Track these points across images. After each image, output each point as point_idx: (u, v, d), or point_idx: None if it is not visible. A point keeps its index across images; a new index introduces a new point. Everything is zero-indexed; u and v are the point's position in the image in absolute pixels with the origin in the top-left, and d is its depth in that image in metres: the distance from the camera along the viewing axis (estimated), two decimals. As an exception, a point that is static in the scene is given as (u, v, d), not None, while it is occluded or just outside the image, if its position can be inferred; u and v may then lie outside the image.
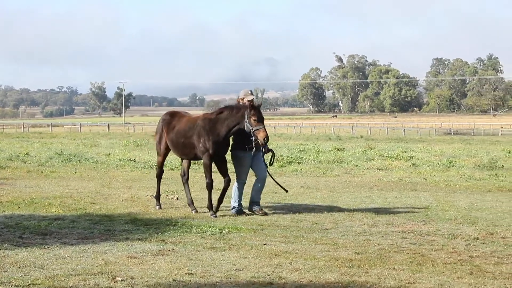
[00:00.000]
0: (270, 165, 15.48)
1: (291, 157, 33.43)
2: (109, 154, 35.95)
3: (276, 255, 10.56)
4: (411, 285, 8.85)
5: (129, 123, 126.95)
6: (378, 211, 15.67)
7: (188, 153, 15.34)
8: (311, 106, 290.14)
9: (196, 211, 15.22)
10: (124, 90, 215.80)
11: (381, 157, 34.88)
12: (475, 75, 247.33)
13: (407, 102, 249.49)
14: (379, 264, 10.02)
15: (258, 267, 9.75)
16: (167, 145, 15.81)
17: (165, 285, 8.68)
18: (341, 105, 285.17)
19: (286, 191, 16.75)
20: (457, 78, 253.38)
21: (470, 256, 10.69)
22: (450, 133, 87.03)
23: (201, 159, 15.18)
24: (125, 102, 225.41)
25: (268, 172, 15.50)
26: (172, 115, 16.04)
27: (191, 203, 15.53)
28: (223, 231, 12.56)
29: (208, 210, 14.98)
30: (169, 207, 16.01)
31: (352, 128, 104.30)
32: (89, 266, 9.62)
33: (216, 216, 14.65)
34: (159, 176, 16.37)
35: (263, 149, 15.20)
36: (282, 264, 9.92)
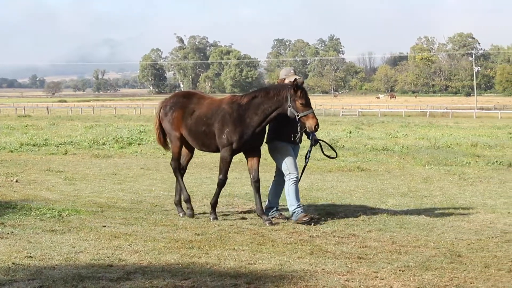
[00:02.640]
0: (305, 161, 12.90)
1: (131, 139, 33.19)
2: None
3: (115, 237, 10.43)
4: (251, 265, 8.92)
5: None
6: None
7: (209, 144, 12.57)
8: (151, 87, 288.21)
9: (185, 214, 12.74)
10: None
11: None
12: (316, 56, 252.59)
13: (248, 83, 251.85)
14: (219, 245, 10.06)
15: (98, 249, 9.61)
16: (182, 134, 12.82)
17: (4, 269, 8.42)
18: (181, 86, 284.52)
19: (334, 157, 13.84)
20: (298, 59, 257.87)
21: (310, 236, 10.88)
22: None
23: None
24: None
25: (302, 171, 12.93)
26: (188, 96, 13.04)
27: (179, 203, 13.02)
28: (63, 214, 12.29)
29: (210, 209, 12.53)
30: (8, 190, 15.49)
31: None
32: None
33: (216, 218, 12.34)
34: (177, 171, 13.13)
35: (312, 140, 12.65)
36: (122, 246, 9.81)
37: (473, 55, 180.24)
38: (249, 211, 13.17)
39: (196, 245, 9.96)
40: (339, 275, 8.47)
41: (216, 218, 12.30)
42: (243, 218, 12.43)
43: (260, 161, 12.37)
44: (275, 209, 12.72)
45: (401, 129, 47.63)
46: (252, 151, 12.28)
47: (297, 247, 10.03)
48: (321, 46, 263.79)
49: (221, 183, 12.43)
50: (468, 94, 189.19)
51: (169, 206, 13.71)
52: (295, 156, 12.42)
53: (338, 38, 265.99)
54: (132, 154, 26.99)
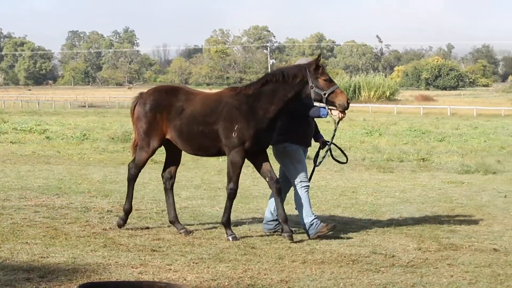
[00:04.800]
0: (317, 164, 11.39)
1: None
2: None
3: None
4: (44, 259, 8.79)
5: None
6: (11, 185, 15.33)
7: (209, 147, 10.71)
8: None
9: (187, 232, 10.75)
10: None
11: (14, 131, 34.15)
12: (111, 48, 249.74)
13: (42, 75, 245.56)
14: (12, 239, 9.86)
15: None
16: (164, 136, 10.84)
17: None
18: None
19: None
20: (92, 51, 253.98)
21: (103, 229, 10.84)
22: (85, 106, 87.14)
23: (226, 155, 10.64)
24: None
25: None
26: (173, 92, 10.97)
27: (176, 219, 11.04)
28: None
29: (224, 229, 10.57)
30: None
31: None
32: None
33: (237, 239, 10.36)
34: (133, 179, 11.18)
35: (321, 141, 11.10)
36: None
37: (268, 48, 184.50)
38: (43, 205, 12.89)
39: (-13, 240, 9.70)
40: (132, 267, 8.49)
41: (236, 238, 10.32)
42: (36, 212, 12.17)
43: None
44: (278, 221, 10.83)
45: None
46: (262, 153, 10.57)
47: (90, 240, 9.97)
48: (116, 38, 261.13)
49: (233, 195, 10.56)
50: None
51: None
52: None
53: (133, 31, 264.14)
54: None
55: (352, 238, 10.59)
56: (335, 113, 10.54)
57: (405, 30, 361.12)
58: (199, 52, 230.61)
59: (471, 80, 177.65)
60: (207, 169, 19.55)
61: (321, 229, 10.43)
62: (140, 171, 11.20)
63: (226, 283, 7.98)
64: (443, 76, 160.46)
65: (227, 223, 10.47)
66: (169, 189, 11.15)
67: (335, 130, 11.00)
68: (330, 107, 10.45)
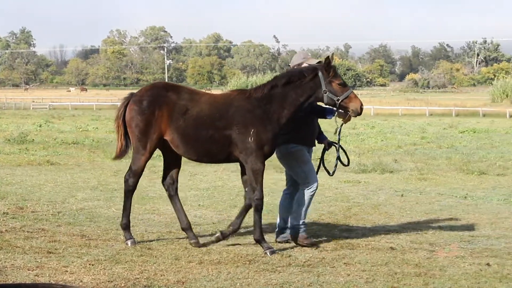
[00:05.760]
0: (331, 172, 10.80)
1: None
2: None
3: None
4: None
5: None
6: None
7: (216, 154, 9.92)
8: None
9: (198, 244, 10.06)
10: None
11: None
12: (7, 49, 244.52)
13: None
14: None
15: None
16: (162, 136, 9.91)
17: None
18: None
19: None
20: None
21: (0, 231, 10.69)
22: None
23: (236, 161, 10.00)
24: None
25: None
26: (173, 89, 10.04)
27: (189, 227, 10.34)
28: None
29: (259, 244, 9.90)
30: None
31: None
32: None
33: (274, 251, 9.74)
34: (132, 190, 10.23)
35: (325, 143, 10.63)
36: None
37: (165, 49, 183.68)
38: None
39: None
40: (28, 270, 8.42)
41: (273, 251, 9.73)
42: None
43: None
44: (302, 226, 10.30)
45: (92, 122, 47.55)
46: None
47: (-13, 244, 9.81)
48: (12, 39, 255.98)
49: (260, 206, 9.83)
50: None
51: None
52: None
53: (30, 31, 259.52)
54: None
55: (248, 238, 10.67)
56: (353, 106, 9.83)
57: (302, 30, 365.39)
58: (96, 53, 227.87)
59: (368, 79, 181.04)
60: (104, 170, 19.40)
61: (301, 239, 10.08)
62: (138, 181, 10.20)
63: (123, 285, 8.00)
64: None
65: (261, 238, 9.82)
66: (174, 195, 10.40)
67: (339, 133, 10.44)
68: (339, 110, 9.93)
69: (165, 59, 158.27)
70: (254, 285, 8.13)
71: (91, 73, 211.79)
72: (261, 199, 9.74)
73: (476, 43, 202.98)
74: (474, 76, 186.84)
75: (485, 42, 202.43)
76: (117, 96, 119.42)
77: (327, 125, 11.46)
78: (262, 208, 9.82)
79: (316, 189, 10.21)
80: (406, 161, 23.40)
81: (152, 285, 8.02)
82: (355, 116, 9.93)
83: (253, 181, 9.73)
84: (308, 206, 10.23)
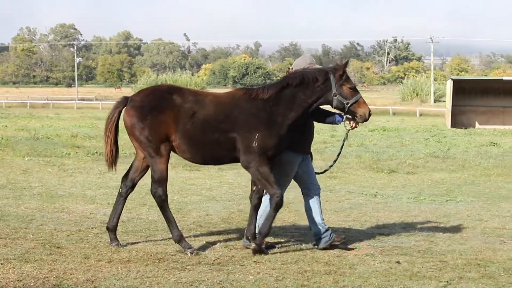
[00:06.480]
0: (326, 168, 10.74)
1: None
2: None
3: None
4: None
5: None
6: None
7: (223, 157, 9.66)
8: None
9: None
10: None
11: None
12: None
13: None
14: None
15: None
16: (168, 140, 9.43)
17: None
18: None
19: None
20: None
21: None
22: None
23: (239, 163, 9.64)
24: None
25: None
26: (177, 92, 9.55)
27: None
28: None
29: (256, 239, 9.68)
30: None
31: None
32: None
33: (273, 245, 10.05)
34: (165, 200, 9.65)
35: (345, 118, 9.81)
36: None
37: (75, 46, 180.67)
38: None
39: None
40: None
41: (273, 245, 10.00)
42: None
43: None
44: (326, 230, 10.06)
45: (1, 120, 46.68)
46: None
47: None
48: None
49: (279, 203, 9.44)
50: (69, 85, 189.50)
51: None
52: (309, 164, 10.08)
53: None
54: None
55: (158, 236, 10.70)
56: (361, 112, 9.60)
57: (212, 28, 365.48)
58: (6, 50, 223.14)
59: (278, 78, 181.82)
60: (13, 168, 19.12)
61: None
62: (166, 187, 9.57)
63: (32, 284, 7.94)
64: (250, 74, 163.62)
65: (267, 233, 9.66)
66: (123, 197, 10.06)
67: (344, 139, 10.30)
68: (346, 115, 9.69)
69: (75, 56, 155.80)
70: (164, 283, 8.12)
71: (0, 71, 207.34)
72: (280, 193, 9.39)
73: (386, 42, 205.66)
74: (384, 75, 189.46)
75: (395, 41, 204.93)
76: (27, 94, 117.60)
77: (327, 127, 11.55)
78: (282, 204, 9.50)
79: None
80: (316, 159, 23.44)
81: (61, 284, 7.96)
82: (362, 122, 9.73)
83: (265, 183, 9.40)
84: (265, 215, 9.77)
